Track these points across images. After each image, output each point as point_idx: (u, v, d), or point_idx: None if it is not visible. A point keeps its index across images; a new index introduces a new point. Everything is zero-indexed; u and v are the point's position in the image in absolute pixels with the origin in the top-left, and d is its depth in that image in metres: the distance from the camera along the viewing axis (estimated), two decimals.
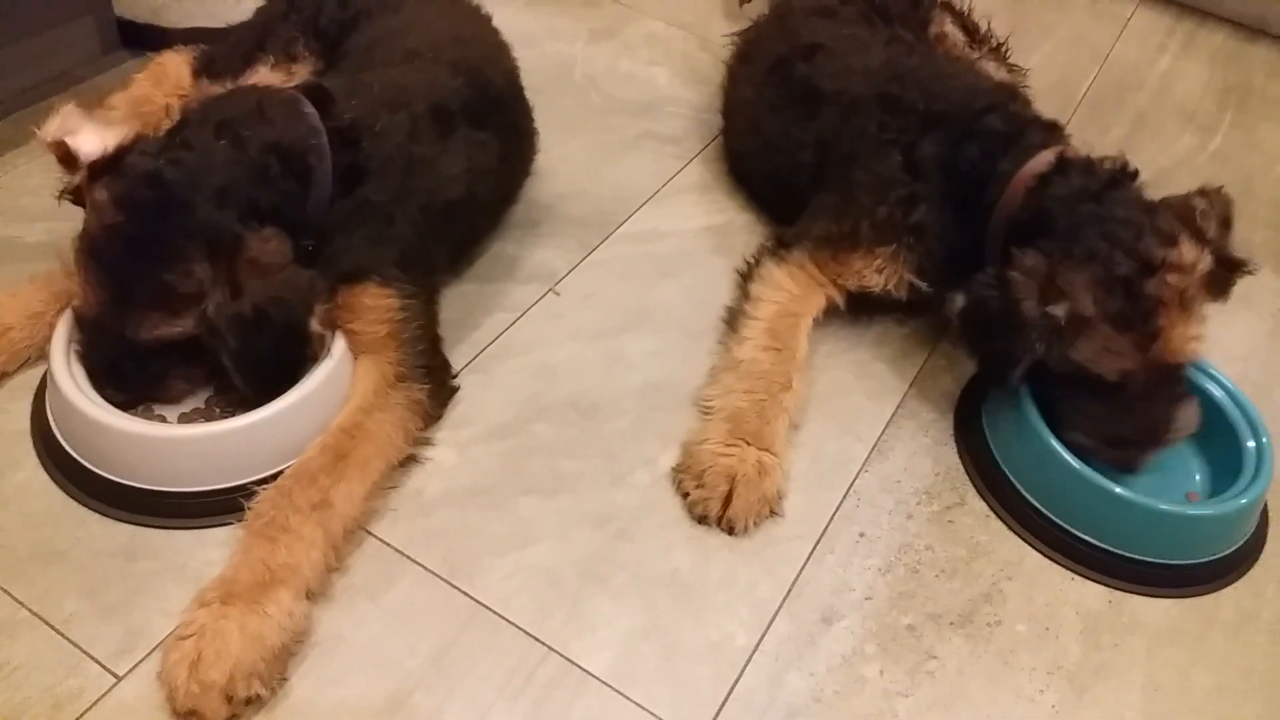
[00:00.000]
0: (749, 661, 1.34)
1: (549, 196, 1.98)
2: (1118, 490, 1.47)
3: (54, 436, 1.42)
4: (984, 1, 2.74)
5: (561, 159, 2.06)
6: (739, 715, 1.29)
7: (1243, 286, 2.03)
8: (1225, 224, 1.55)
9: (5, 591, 1.28)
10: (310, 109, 1.45)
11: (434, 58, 1.66)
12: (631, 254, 1.90)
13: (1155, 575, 1.50)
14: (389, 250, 1.49)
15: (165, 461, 1.37)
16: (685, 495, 1.50)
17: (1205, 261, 1.49)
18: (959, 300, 1.55)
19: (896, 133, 1.70)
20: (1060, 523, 1.52)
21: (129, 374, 1.41)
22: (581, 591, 1.39)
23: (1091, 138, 2.30)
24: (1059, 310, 1.45)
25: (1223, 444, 1.61)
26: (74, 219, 1.73)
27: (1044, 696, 1.36)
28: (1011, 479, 1.57)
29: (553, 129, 2.05)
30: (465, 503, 1.46)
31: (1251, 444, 1.57)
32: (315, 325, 1.39)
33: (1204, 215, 1.53)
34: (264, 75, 1.75)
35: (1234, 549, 1.54)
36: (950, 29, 2.10)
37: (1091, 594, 1.49)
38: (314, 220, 1.43)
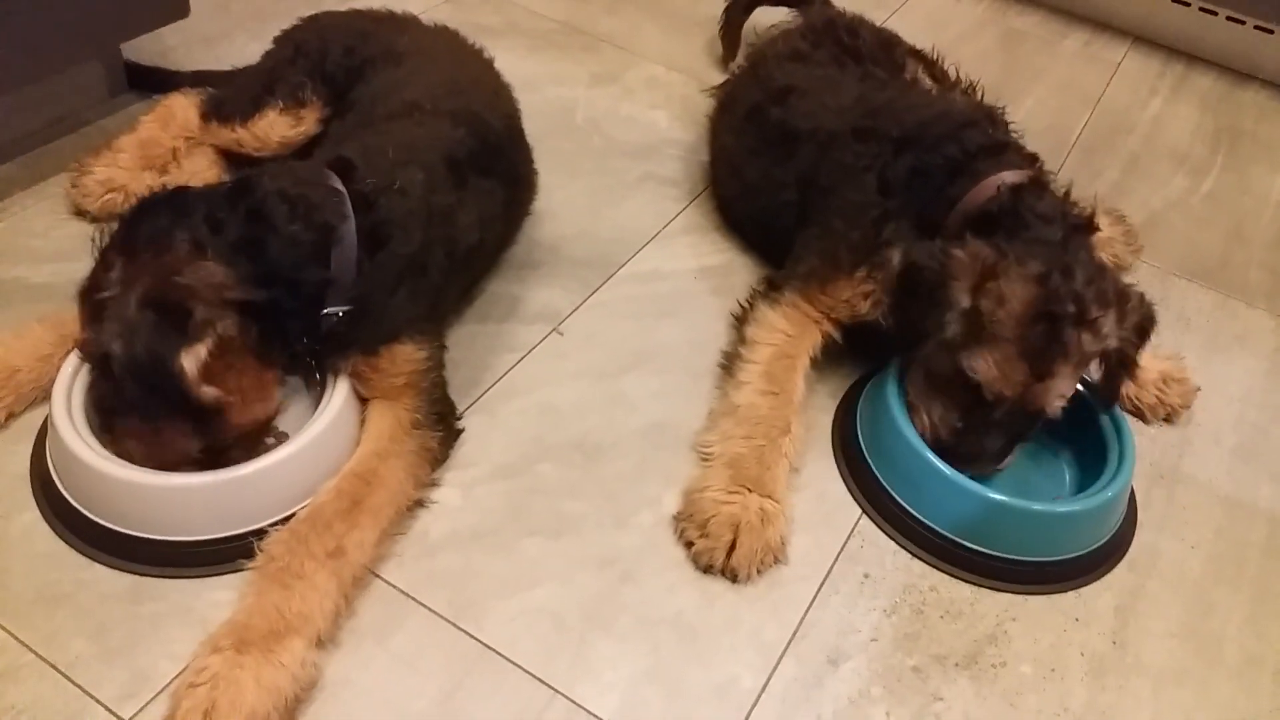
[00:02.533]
0: (755, 704, 1.34)
1: (551, 238, 2.00)
2: (991, 494, 1.51)
3: (54, 483, 1.41)
4: (976, 47, 2.81)
5: (564, 201, 2.08)
6: None
7: (1239, 328, 2.08)
8: (1140, 330, 1.57)
9: (11, 634, 1.28)
10: (333, 176, 1.46)
11: (433, 109, 1.67)
12: (633, 294, 1.92)
13: (1025, 573, 1.53)
14: (424, 302, 1.50)
15: (166, 510, 1.36)
16: (689, 545, 1.49)
17: (1112, 341, 1.52)
18: (895, 257, 1.57)
19: (871, 160, 1.71)
20: (934, 526, 1.54)
21: (115, 410, 1.36)
22: (586, 634, 1.38)
23: (1085, 181, 2.35)
24: (988, 306, 1.47)
25: (1090, 447, 1.66)
26: (81, 260, 1.75)
27: None
28: (884, 483, 1.59)
29: (555, 171, 2.08)
30: (470, 544, 1.46)
31: (1116, 444, 1.61)
32: (187, 362, 1.26)
33: (1131, 309, 1.54)
34: (272, 119, 1.77)
35: (1103, 542, 1.58)
36: (921, 76, 2.13)
37: (1095, 635, 1.49)
38: (344, 281, 1.41)
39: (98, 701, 1.23)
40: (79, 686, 1.24)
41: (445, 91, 1.72)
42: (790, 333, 1.69)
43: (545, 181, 2.00)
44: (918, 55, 2.17)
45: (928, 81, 2.13)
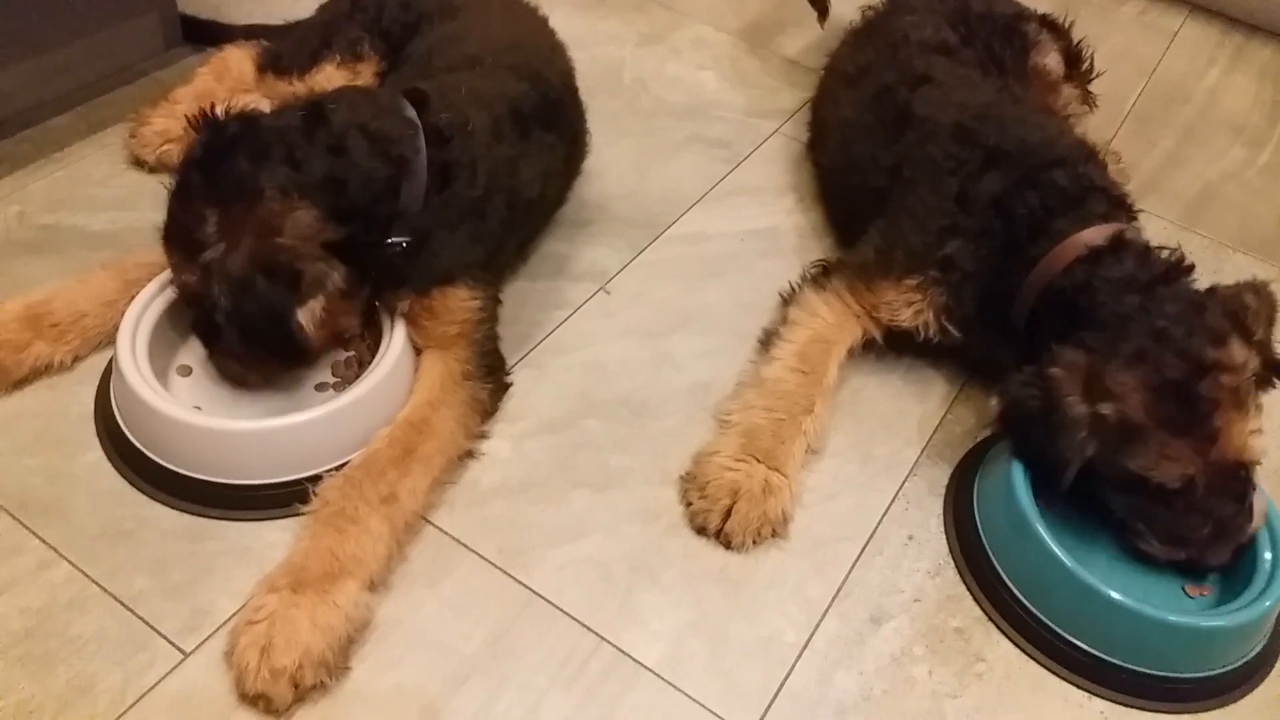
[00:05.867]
0: (799, 659, 1.36)
1: (600, 197, 2.01)
2: (1116, 597, 1.34)
3: (117, 425, 1.44)
4: None
5: (611, 160, 2.09)
6: (789, 711, 1.30)
7: None
8: (1270, 321, 1.49)
9: (77, 568, 1.32)
10: (409, 106, 1.47)
11: (493, 63, 1.68)
12: (680, 255, 1.92)
13: (1161, 690, 1.37)
14: (481, 248, 1.51)
15: (226, 454, 1.39)
16: (688, 504, 1.50)
17: (1254, 362, 1.40)
18: (993, 403, 1.50)
19: (957, 164, 1.65)
20: (1059, 630, 1.39)
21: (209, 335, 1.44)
22: (633, 585, 1.41)
23: (1139, 150, 2.32)
24: (1108, 409, 1.38)
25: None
26: (138, 209, 1.78)
27: (1092, 702, 1.36)
28: (1004, 576, 1.44)
29: (603, 130, 2.08)
30: (519, 494, 1.49)
31: (1269, 555, 1.43)
32: (304, 318, 1.35)
33: (1254, 315, 1.45)
34: (329, 73, 1.79)
35: (1248, 659, 1.41)
36: (1050, 60, 2.05)
37: None
38: (410, 213, 1.43)
39: (160, 634, 1.27)
40: (142, 619, 1.28)
41: (505, 46, 1.73)
42: (830, 320, 1.67)
43: (593, 140, 2.00)
44: (1052, 27, 2.09)
45: (1059, 67, 2.05)
